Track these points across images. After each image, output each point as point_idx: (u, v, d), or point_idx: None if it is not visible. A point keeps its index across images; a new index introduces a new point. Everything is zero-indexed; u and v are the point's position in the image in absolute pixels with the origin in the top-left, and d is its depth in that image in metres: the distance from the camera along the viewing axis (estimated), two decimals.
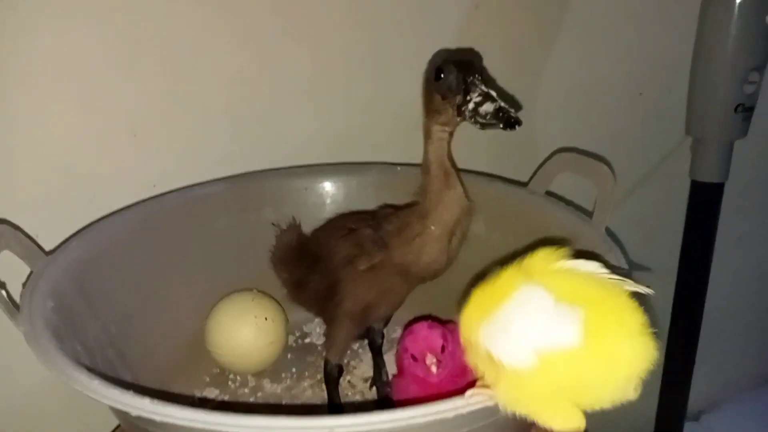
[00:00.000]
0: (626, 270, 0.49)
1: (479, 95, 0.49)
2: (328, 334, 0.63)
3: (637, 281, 0.40)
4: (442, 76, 0.50)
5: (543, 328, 0.37)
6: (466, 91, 0.49)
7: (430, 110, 0.53)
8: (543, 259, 0.41)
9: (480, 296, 0.41)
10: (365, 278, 0.58)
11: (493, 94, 0.49)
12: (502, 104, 0.48)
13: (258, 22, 0.69)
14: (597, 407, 0.37)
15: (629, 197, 0.97)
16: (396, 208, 0.62)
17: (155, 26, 0.65)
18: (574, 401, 0.37)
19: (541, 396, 0.37)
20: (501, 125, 0.48)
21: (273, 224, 0.69)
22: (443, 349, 0.55)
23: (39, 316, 0.46)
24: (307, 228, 0.70)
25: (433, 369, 0.54)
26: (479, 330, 0.39)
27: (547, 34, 0.84)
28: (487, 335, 0.38)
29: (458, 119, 0.51)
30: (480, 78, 0.49)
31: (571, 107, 0.88)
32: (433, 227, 0.54)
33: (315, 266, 0.63)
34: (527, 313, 0.38)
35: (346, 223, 0.62)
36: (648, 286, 0.40)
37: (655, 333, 0.37)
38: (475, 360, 0.41)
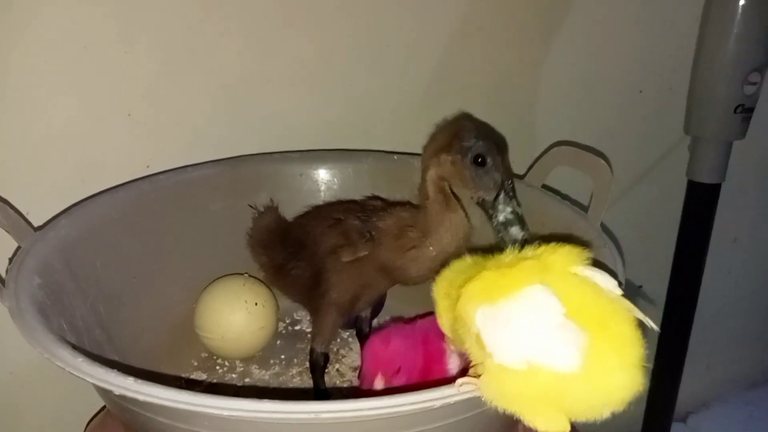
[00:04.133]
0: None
1: (512, 213, 0.51)
2: (313, 324, 0.62)
3: (645, 312, 0.39)
4: (485, 166, 0.51)
5: (544, 342, 0.36)
6: (498, 195, 0.51)
7: (440, 156, 0.53)
8: (563, 259, 0.40)
9: (490, 277, 0.39)
10: (349, 270, 0.57)
11: (521, 214, 0.51)
12: (527, 234, 0.50)
13: (257, 6, 0.68)
14: (575, 420, 0.37)
15: (626, 195, 0.97)
16: (385, 202, 0.62)
17: (153, 5, 0.64)
18: (557, 408, 0.36)
19: (524, 397, 0.36)
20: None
21: (250, 206, 0.68)
22: (398, 370, 0.53)
23: (25, 291, 0.46)
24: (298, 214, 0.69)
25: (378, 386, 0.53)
26: (477, 310, 0.38)
27: (550, 27, 0.83)
28: (484, 320, 0.37)
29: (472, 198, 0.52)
30: (512, 185, 0.52)
31: (570, 102, 0.88)
32: (431, 248, 0.54)
33: (299, 253, 0.62)
34: (533, 319, 0.36)
35: (333, 212, 0.62)
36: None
37: (647, 367, 0.36)
38: (464, 335, 0.40)
